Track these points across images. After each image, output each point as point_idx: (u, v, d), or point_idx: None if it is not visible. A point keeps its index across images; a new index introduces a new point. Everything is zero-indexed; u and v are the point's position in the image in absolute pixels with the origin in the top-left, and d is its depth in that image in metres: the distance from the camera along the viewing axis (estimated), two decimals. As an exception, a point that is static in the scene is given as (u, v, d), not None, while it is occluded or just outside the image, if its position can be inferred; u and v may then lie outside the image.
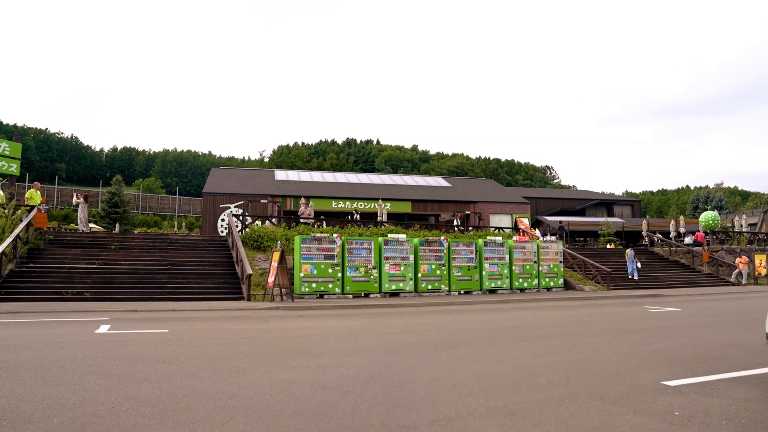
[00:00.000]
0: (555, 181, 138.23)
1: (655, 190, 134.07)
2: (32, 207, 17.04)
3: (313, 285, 16.77)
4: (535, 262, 21.60)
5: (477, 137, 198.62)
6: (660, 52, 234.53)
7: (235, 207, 31.96)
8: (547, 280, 21.78)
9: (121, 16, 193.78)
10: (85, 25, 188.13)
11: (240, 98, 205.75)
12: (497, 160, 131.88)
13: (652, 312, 13.26)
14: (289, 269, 15.69)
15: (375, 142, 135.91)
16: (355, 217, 26.04)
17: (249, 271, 14.83)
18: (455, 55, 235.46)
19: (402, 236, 18.82)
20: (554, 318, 12.00)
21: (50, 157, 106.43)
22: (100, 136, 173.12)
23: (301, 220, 22.49)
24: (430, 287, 18.93)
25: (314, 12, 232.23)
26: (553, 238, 23.23)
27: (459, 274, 19.72)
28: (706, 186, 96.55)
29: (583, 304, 16.31)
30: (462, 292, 19.70)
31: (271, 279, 14.97)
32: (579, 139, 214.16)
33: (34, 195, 17.76)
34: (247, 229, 20.11)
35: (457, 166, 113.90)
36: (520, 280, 21.09)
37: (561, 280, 22.14)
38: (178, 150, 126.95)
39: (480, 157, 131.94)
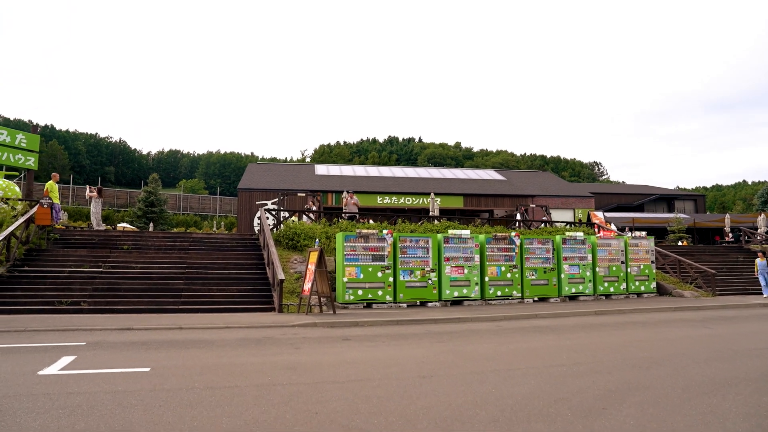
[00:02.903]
0: (603, 177, 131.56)
1: (709, 186, 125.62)
2: (51, 202, 14.66)
3: (359, 292, 13.77)
4: (622, 262, 17.96)
5: (521, 133, 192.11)
6: (683, 47, 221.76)
7: (272, 204, 29.40)
8: (636, 283, 18.10)
9: (167, 24, 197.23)
10: (133, 34, 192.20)
11: (282, 99, 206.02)
12: (543, 157, 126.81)
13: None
14: (329, 273, 12.76)
15: (417, 139, 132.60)
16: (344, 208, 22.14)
17: (281, 275, 11.95)
18: (500, 49, 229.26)
19: (465, 232, 15.58)
20: (692, 340, 8.59)
21: (100, 161, 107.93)
22: (147, 140, 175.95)
23: (345, 215, 19.53)
24: (499, 293, 15.62)
25: (356, 11, 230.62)
26: (644, 233, 19.50)
27: (533, 277, 16.33)
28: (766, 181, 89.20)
29: (704, 316, 12.69)
30: (536, 299, 16.31)
31: (307, 285, 12.04)
32: (625, 135, 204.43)
33: (52, 187, 15.47)
34: (282, 226, 17.29)
35: (502, 163, 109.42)
36: (605, 284, 17.51)
37: (653, 284, 18.40)
38: (222, 152, 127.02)
39: (525, 153, 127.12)
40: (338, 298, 13.57)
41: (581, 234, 17.57)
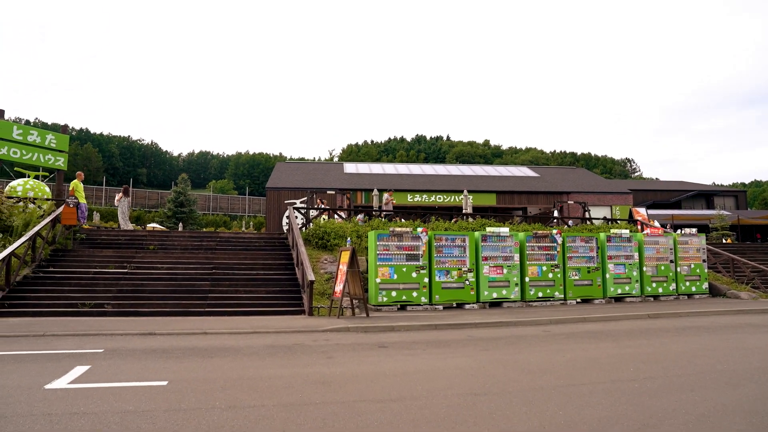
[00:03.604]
0: (636, 174, 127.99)
1: (747, 182, 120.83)
2: (77, 201, 14.35)
3: (393, 293, 13.04)
4: (671, 261, 16.81)
5: (550, 130, 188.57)
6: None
7: (300, 202, 28.93)
8: (687, 284, 16.92)
9: (198, 29, 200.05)
10: (164, 40, 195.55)
11: (310, 99, 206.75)
12: (573, 154, 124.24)
13: None
14: (361, 273, 12.08)
15: (445, 137, 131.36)
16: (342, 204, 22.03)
17: (311, 276, 11.31)
18: (530, 45, 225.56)
19: (504, 230, 14.71)
20: (776, 350, 7.60)
21: (132, 163, 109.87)
22: (178, 142, 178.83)
23: (382, 215, 18.88)
24: (540, 294, 14.70)
25: (384, 10, 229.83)
26: (694, 230, 18.28)
27: (576, 277, 15.35)
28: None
29: (771, 320, 11.58)
30: (579, 300, 15.33)
31: (338, 287, 11.38)
32: (657, 131, 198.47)
33: (78, 186, 15.17)
34: (311, 225, 16.69)
35: (531, 160, 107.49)
36: (653, 285, 16.39)
37: (705, 284, 17.18)
38: (251, 152, 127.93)
39: (555, 150, 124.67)
40: (371, 300, 12.88)
41: (627, 231, 16.49)
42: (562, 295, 15.01)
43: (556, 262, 15.07)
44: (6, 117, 20.23)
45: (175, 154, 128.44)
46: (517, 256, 14.60)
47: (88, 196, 50.68)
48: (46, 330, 8.52)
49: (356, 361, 6.62)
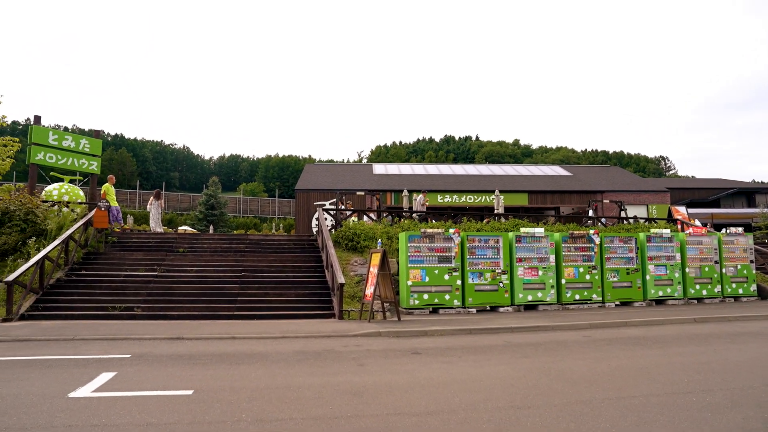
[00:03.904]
0: (671, 172, 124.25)
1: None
2: (108, 204, 14.47)
3: (425, 296, 12.70)
4: (716, 262, 16.01)
5: (580, 129, 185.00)
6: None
7: (330, 204, 28.80)
8: (734, 286, 16.09)
9: (226, 35, 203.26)
10: (194, 47, 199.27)
11: (338, 101, 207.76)
12: (605, 152, 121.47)
13: None
14: (392, 276, 11.77)
15: (474, 137, 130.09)
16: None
17: (341, 279, 11.06)
18: (558, 43, 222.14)
19: (539, 230, 14.21)
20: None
21: (165, 167, 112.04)
22: (209, 146, 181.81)
23: (415, 216, 18.58)
24: (577, 297, 14.15)
25: (410, 10, 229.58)
26: (740, 229, 17.41)
27: (615, 279, 14.73)
28: None
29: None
30: (617, 303, 14.70)
31: (369, 290, 11.10)
32: (690, 127, 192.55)
33: (109, 190, 15.27)
34: (341, 226, 16.47)
35: (562, 159, 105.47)
36: (697, 287, 15.63)
37: (753, 286, 16.32)
38: (280, 155, 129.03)
39: (586, 149, 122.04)
40: (402, 303, 12.57)
41: (668, 231, 15.77)
42: (600, 298, 14.43)
43: (593, 264, 14.50)
44: (45, 124, 20.65)
45: (207, 157, 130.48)
46: (552, 258, 14.09)
47: (122, 199, 51.70)
48: (76, 334, 8.48)
49: (389, 369, 6.31)
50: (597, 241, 14.69)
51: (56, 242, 12.01)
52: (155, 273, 12.51)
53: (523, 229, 14.22)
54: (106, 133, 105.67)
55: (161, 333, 8.66)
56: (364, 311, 11.20)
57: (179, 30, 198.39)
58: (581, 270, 14.36)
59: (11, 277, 10.19)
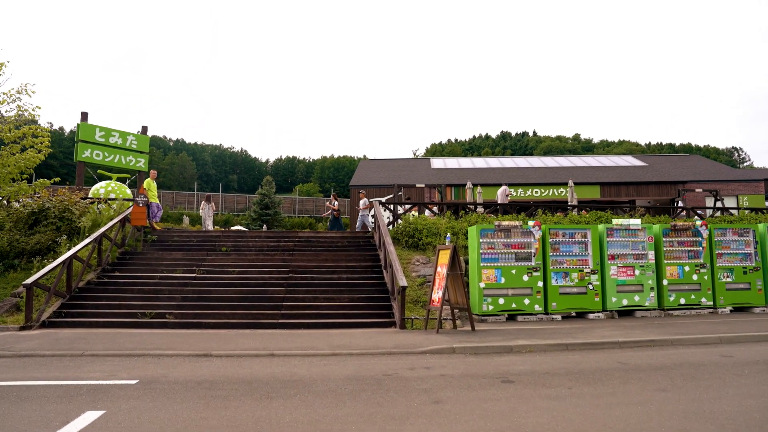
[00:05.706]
0: (745, 164, 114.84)
1: None
2: (146, 200, 13.32)
3: (500, 301, 10.70)
4: None
5: (643, 121, 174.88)
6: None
7: (386, 200, 27.11)
8: None
9: (281, 41, 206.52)
10: (250, 53, 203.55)
11: (393, 101, 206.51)
12: (671, 145, 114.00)
13: None
14: (463, 277, 9.85)
15: (531, 133, 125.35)
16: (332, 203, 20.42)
17: (402, 281, 9.26)
18: (619, 32, 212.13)
19: (635, 221, 11.92)
20: None
21: (224, 170, 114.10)
22: (266, 148, 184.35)
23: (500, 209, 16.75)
24: (682, 301, 11.75)
25: (460, 9, 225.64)
26: None
27: (729, 279, 12.20)
28: None
29: None
30: (732, 308, 12.16)
31: (437, 294, 9.24)
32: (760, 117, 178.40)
33: (150, 185, 14.16)
34: (400, 221, 14.68)
35: (627, 153, 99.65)
36: (832, 289, 12.82)
37: None
38: (335, 156, 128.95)
39: (650, 142, 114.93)
40: (473, 308, 10.62)
41: (794, 221, 13.07)
42: (711, 302, 11.96)
43: (701, 261, 12.03)
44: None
45: (264, 160, 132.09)
46: (651, 254, 11.76)
47: (181, 201, 52.00)
48: (89, 348, 7.08)
49: (478, 412, 4.44)
50: (705, 234, 12.22)
51: (86, 241, 10.85)
52: (193, 274, 11.13)
53: (615, 221, 11.96)
54: (168, 138, 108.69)
55: (187, 347, 7.13)
56: (430, 319, 9.36)
57: (238, 39, 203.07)
58: (687, 269, 11.93)
59: (30, 280, 9.02)
